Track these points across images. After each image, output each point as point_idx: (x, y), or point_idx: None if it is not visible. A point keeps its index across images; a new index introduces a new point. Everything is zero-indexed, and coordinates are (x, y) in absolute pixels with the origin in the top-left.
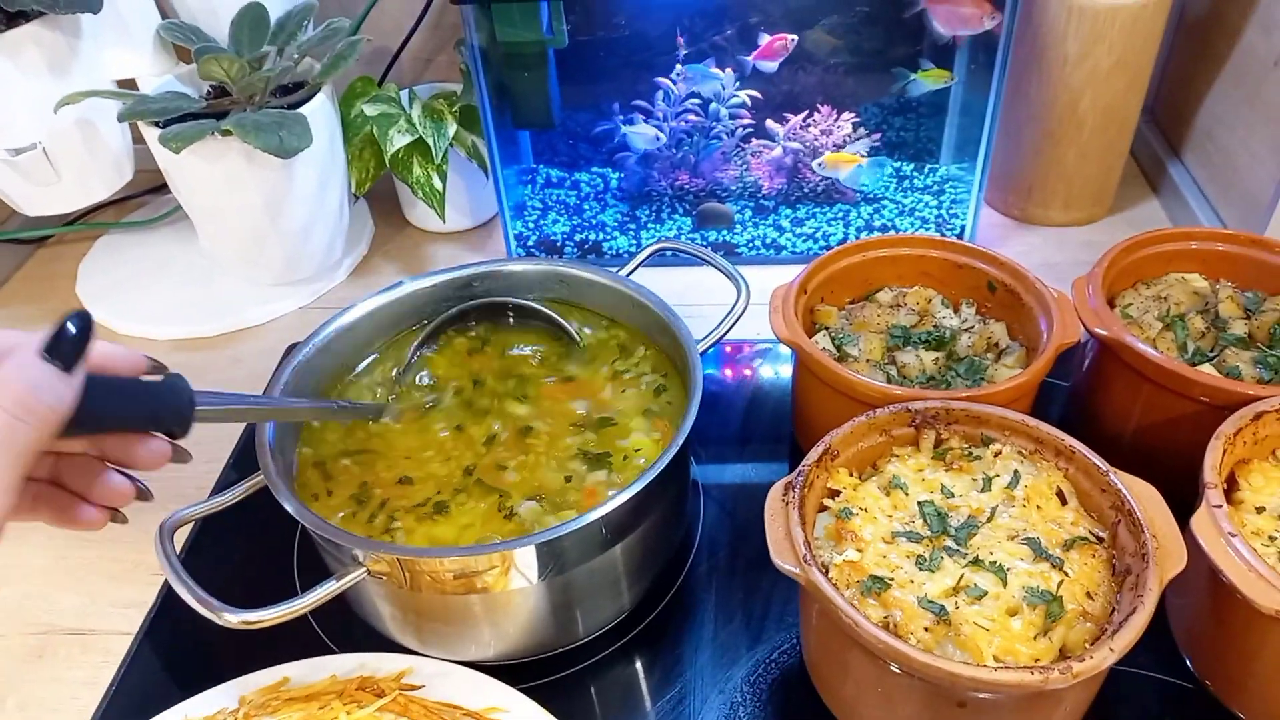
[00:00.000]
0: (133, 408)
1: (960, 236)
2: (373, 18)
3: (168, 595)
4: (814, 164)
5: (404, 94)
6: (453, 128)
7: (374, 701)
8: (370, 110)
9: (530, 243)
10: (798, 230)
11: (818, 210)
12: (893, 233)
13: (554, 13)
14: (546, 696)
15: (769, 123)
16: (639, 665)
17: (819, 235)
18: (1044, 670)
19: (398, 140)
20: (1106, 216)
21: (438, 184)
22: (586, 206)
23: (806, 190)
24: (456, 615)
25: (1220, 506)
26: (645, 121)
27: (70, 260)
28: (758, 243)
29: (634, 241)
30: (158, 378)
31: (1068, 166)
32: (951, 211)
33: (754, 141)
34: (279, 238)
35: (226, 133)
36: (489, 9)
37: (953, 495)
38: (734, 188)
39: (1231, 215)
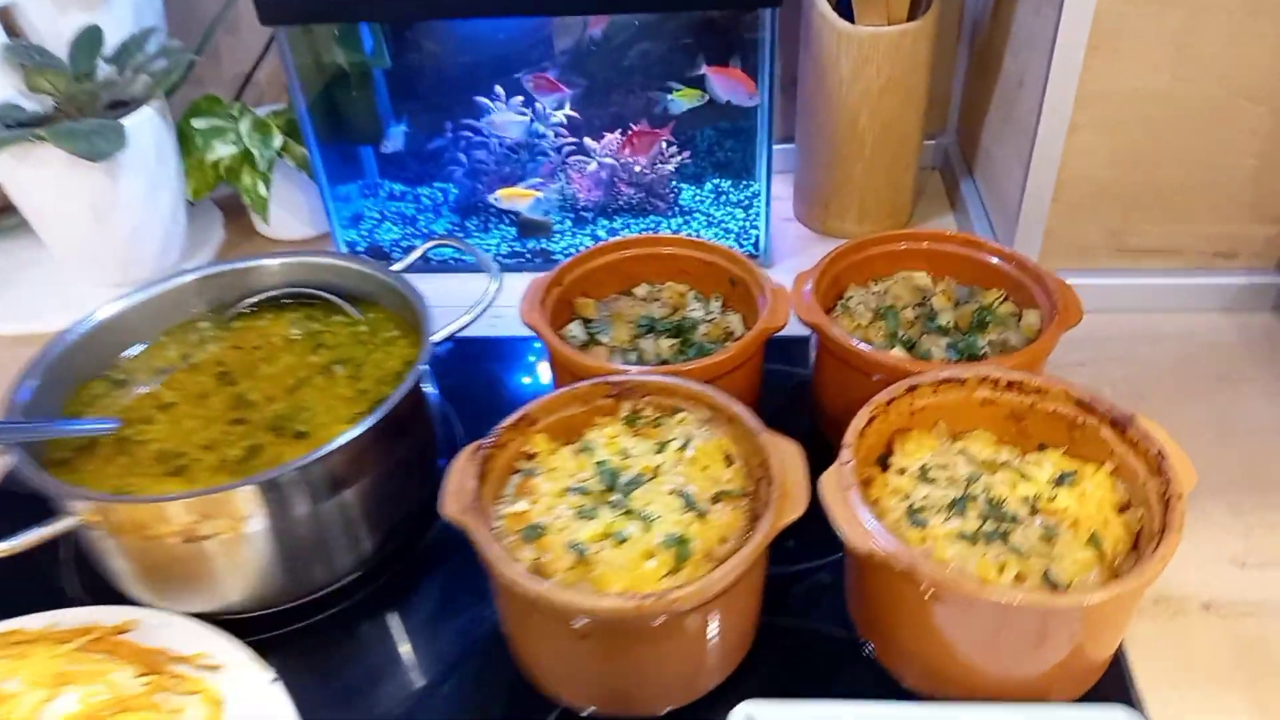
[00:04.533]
0: None
1: (756, 247)
2: (236, 43)
3: None
4: (490, 198)
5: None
6: (279, 140)
7: (79, 638)
8: (200, 124)
9: (360, 249)
10: None
11: (632, 221)
12: (666, 233)
13: (376, 36)
14: (273, 648)
15: (587, 140)
16: (368, 622)
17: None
18: (642, 597)
19: (220, 150)
20: (903, 229)
21: (262, 191)
22: (421, 217)
23: (622, 203)
24: (181, 567)
25: (848, 464)
26: (475, 136)
27: None
28: (573, 250)
29: (458, 249)
30: None
31: (856, 181)
32: (754, 225)
33: (574, 158)
34: (109, 240)
35: (40, 138)
36: (310, 30)
37: (629, 456)
38: (555, 199)
39: (1000, 225)
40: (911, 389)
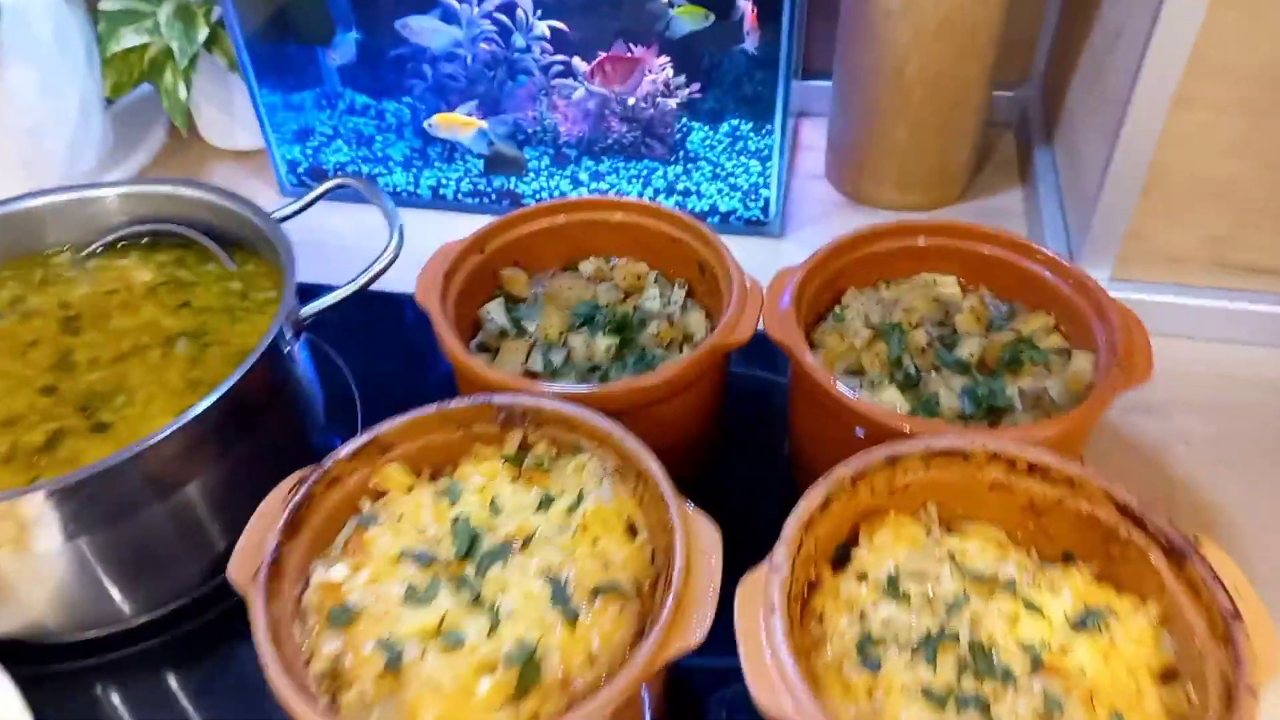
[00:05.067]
0: None
1: (765, 211)
2: None
3: None
4: (425, 124)
5: None
6: (204, 32)
7: None
8: (111, 5)
9: (300, 170)
10: (592, 186)
11: (621, 165)
12: (614, 194)
13: None
14: (65, 684)
15: (576, 61)
16: (182, 662)
17: (613, 194)
18: None
19: (130, 39)
20: (956, 203)
21: (182, 94)
22: (381, 138)
23: (613, 141)
24: None
25: (780, 574)
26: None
27: None
28: (545, 195)
29: (413, 181)
30: None
31: (898, 141)
32: (767, 180)
33: (558, 81)
34: (3, 138)
35: None
36: None
37: (500, 512)
38: (532, 130)
39: (1074, 213)
40: (893, 461)
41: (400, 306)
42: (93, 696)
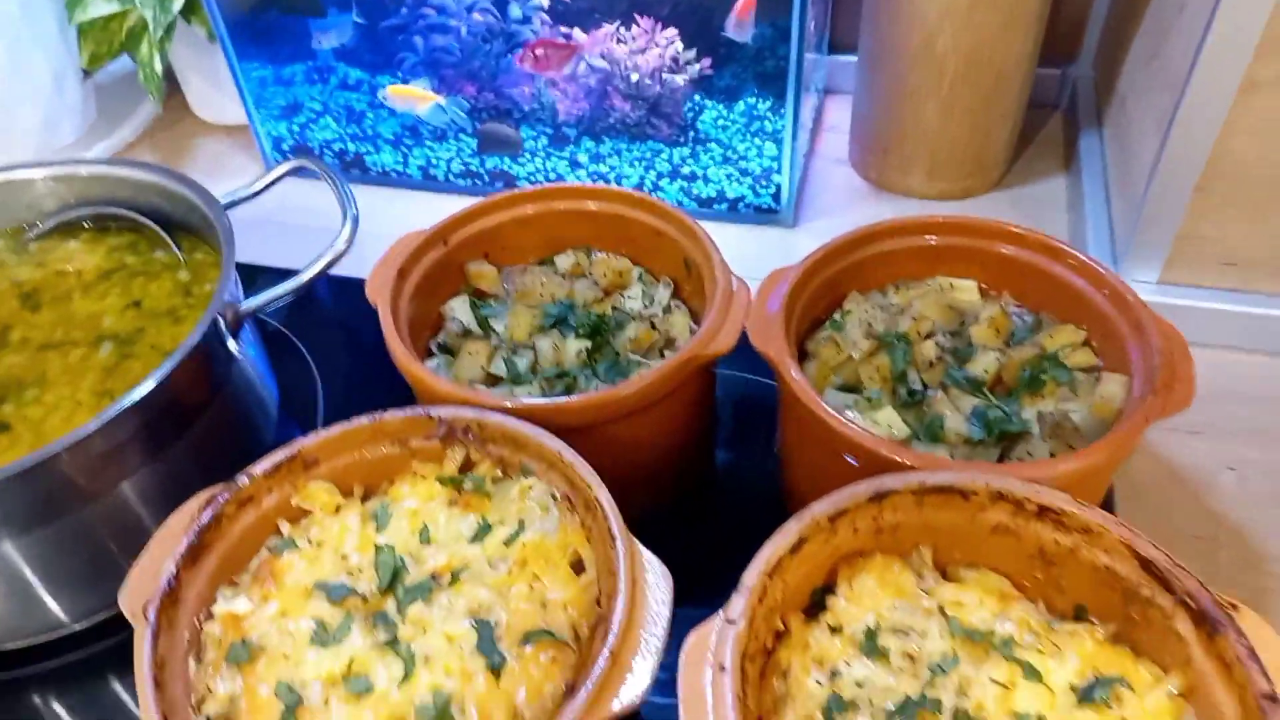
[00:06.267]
0: None
1: (776, 199)
2: None
3: None
4: (379, 95)
5: None
6: (180, 2)
7: None
8: None
9: (286, 147)
10: (591, 168)
11: (624, 146)
12: (591, 182)
13: None
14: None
15: (577, 33)
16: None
17: (612, 178)
18: None
19: (97, 7)
20: (992, 191)
21: (157, 65)
22: (371, 114)
23: (615, 121)
24: None
25: (735, 625)
26: (436, 17)
27: None
28: (541, 178)
29: (402, 160)
30: None
31: (928, 123)
32: (780, 165)
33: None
34: None
35: None
36: None
37: (430, 542)
38: (529, 108)
39: (1120, 208)
40: (879, 498)
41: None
42: (32, 705)
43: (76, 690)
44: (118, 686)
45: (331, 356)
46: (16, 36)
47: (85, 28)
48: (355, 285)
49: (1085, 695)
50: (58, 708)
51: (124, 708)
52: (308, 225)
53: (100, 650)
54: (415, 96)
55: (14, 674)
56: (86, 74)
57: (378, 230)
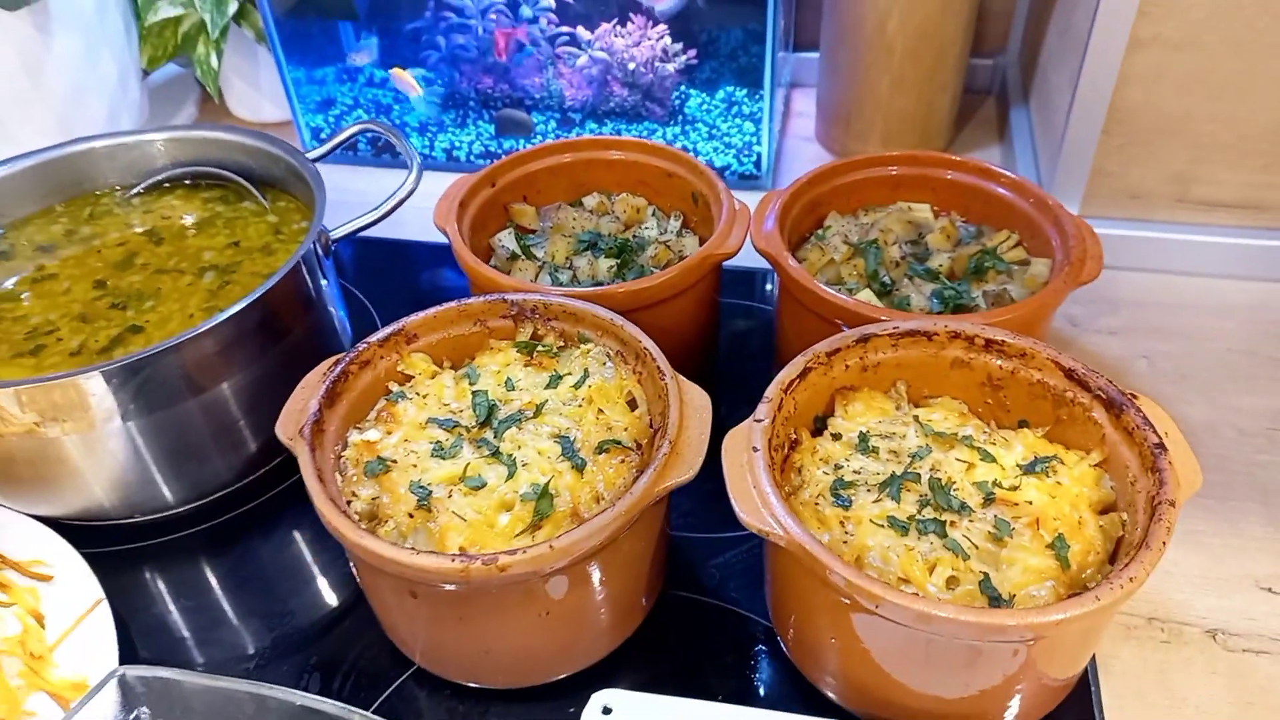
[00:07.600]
0: None
1: (758, 166)
2: None
3: None
4: (388, 73)
5: None
6: (234, 5)
7: None
8: None
9: (323, 137)
10: None
11: (623, 127)
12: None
13: None
14: (118, 563)
15: (580, 30)
16: (234, 543)
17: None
18: (466, 559)
19: (166, 10)
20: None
21: (214, 63)
22: (398, 107)
23: (614, 105)
24: (27, 464)
25: (762, 421)
26: (456, 18)
27: None
28: None
29: (428, 145)
30: None
31: (881, 96)
32: (760, 138)
33: (565, 49)
34: (45, 100)
35: None
36: None
37: (514, 388)
38: (539, 96)
39: (1047, 162)
40: (864, 340)
41: (417, 253)
42: (140, 575)
43: (172, 566)
44: (205, 567)
45: (385, 300)
46: (90, 33)
47: (146, 31)
48: (398, 246)
49: (1029, 468)
50: (157, 579)
51: (208, 585)
52: (346, 201)
53: (192, 534)
54: (409, 83)
55: (127, 547)
56: (145, 74)
57: (411, 203)
